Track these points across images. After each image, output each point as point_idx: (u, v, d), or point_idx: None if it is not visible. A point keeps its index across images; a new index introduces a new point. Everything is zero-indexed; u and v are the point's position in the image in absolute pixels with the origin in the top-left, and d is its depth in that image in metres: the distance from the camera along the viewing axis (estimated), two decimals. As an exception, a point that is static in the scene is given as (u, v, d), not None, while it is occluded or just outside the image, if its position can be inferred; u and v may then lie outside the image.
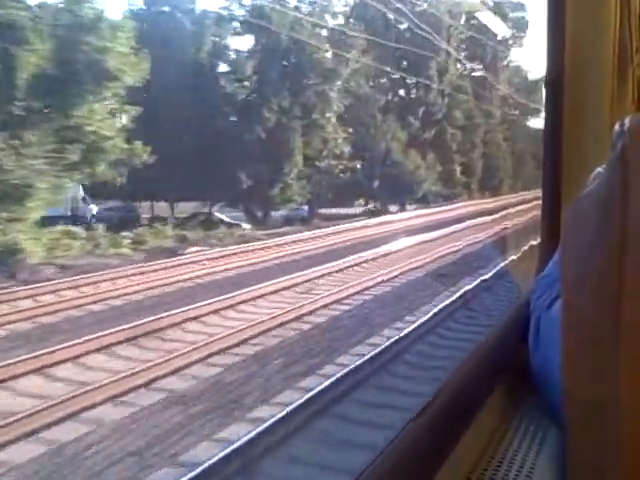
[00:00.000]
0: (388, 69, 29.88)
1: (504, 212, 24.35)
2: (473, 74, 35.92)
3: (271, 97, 23.01)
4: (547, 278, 1.15)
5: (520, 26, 36.36)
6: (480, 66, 35.65)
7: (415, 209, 28.52)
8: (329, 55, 26.54)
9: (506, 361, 1.23)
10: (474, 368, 1.08)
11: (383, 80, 31.49)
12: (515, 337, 1.24)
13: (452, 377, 1.03)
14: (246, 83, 23.25)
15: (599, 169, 0.79)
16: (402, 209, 29.30)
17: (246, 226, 22.42)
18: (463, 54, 34.60)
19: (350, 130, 27.14)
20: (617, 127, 0.72)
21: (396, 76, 31.24)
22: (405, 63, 31.26)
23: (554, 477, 0.93)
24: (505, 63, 37.97)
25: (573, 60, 1.65)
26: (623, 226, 0.68)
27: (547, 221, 1.69)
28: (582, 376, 0.76)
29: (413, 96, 32.72)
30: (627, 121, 0.71)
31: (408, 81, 31.36)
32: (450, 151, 32.57)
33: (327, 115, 25.80)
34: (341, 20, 29.23)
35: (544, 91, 1.73)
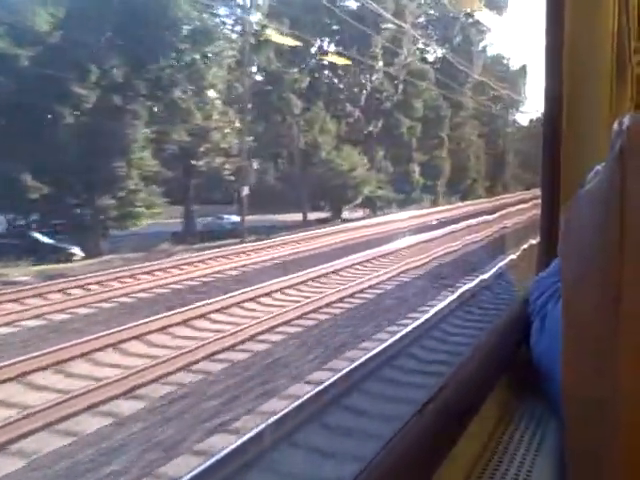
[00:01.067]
0: (314, 40, 23.38)
1: (472, 221, 19.97)
2: (439, 58, 30.74)
3: (85, 62, 15.17)
4: (547, 277, 1.15)
5: (499, 7, 31.61)
6: (448, 50, 30.12)
7: (363, 218, 23.33)
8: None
9: (506, 359, 1.23)
10: (475, 366, 1.09)
11: (308, 57, 24.13)
12: (515, 335, 1.24)
13: (453, 375, 1.03)
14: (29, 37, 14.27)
15: (598, 167, 0.79)
16: (335, 217, 23.58)
17: (77, 252, 15.24)
18: (424, 33, 29.32)
19: (249, 118, 20.52)
20: (616, 126, 0.72)
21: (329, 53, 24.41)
22: (341, 37, 24.64)
23: (554, 472, 0.94)
24: (481, 48, 32.78)
25: (572, 59, 1.65)
26: (622, 224, 0.69)
27: (546, 220, 1.70)
28: (582, 373, 0.76)
29: (351, 79, 26.00)
30: (626, 120, 0.72)
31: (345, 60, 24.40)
32: (407, 148, 27.16)
33: (205, 96, 18.89)
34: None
35: (542, 95, 1.73)
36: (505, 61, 35.16)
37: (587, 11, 1.64)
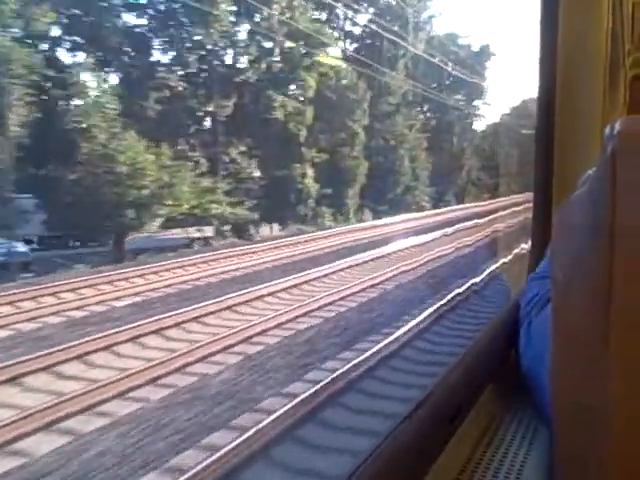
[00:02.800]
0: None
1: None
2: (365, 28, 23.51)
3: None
4: (537, 280, 1.15)
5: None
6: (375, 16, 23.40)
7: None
8: None
9: (496, 363, 1.23)
10: (465, 369, 1.08)
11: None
12: (505, 339, 1.24)
13: (443, 378, 1.03)
14: None
15: (589, 172, 0.79)
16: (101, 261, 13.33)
17: None
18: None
19: None
20: (607, 130, 0.72)
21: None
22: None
23: (542, 476, 0.94)
24: (425, 18, 25.88)
25: (566, 63, 1.65)
26: (612, 228, 0.68)
27: (538, 224, 1.70)
28: (571, 377, 0.76)
29: (175, 31, 16.69)
30: (617, 124, 0.71)
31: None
32: (290, 142, 19.04)
33: None
34: None
35: (537, 95, 1.73)
36: (463, 40, 28.23)
37: (581, 15, 1.65)
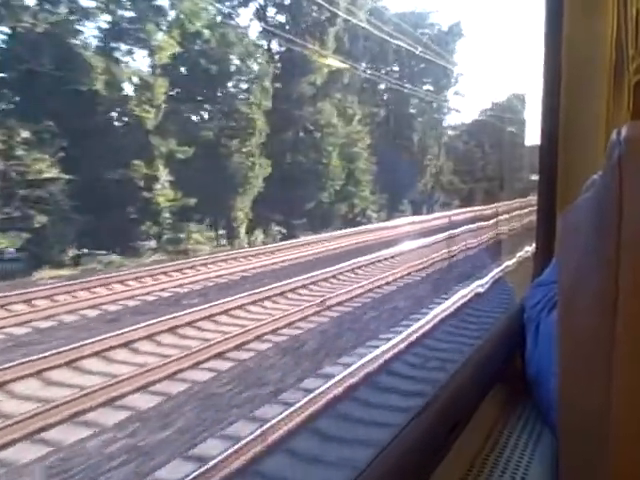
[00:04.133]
0: None
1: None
2: None
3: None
4: (542, 285, 1.15)
5: None
6: None
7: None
8: None
9: (501, 366, 1.23)
10: (470, 373, 1.08)
11: None
12: (510, 343, 1.24)
13: (448, 381, 1.03)
14: None
15: (594, 176, 0.79)
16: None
17: None
18: None
19: None
20: (614, 135, 0.72)
21: None
22: None
23: None
24: None
25: (570, 68, 1.66)
26: (618, 234, 0.68)
27: (542, 228, 1.70)
28: (577, 383, 0.76)
29: None
30: (624, 130, 0.72)
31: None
32: (121, 129, 13.39)
33: None
34: None
35: (540, 103, 1.74)
36: (428, 18, 23.70)
37: (586, 20, 1.65)
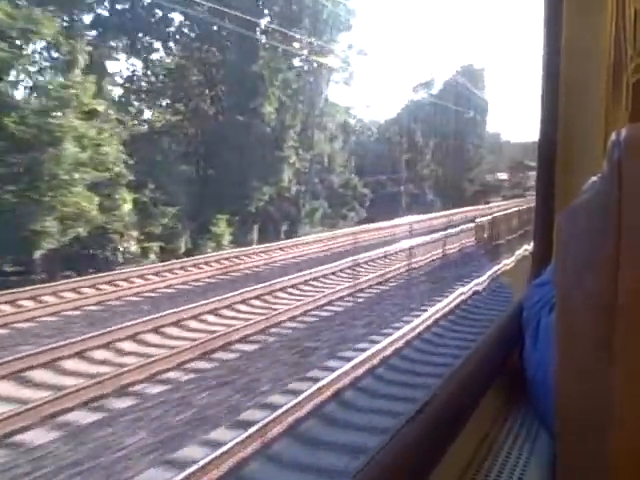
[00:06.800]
0: None
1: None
2: None
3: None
4: (541, 285, 1.15)
5: None
6: None
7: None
8: None
9: (499, 367, 1.23)
10: (467, 374, 1.09)
11: None
12: (508, 343, 1.24)
13: (445, 382, 1.03)
14: None
15: (594, 178, 0.79)
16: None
17: None
18: None
19: None
20: (613, 137, 0.72)
21: None
22: None
23: None
24: None
25: (569, 69, 1.66)
26: (617, 236, 0.69)
27: (540, 228, 1.70)
28: (574, 383, 0.76)
29: None
30: (623, 131, 0.72)
31: None
32: None
33: None
34: None
35: (539, 104, 1.74)
36: None
37: (584, 20, 1.65)
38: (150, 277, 11.17)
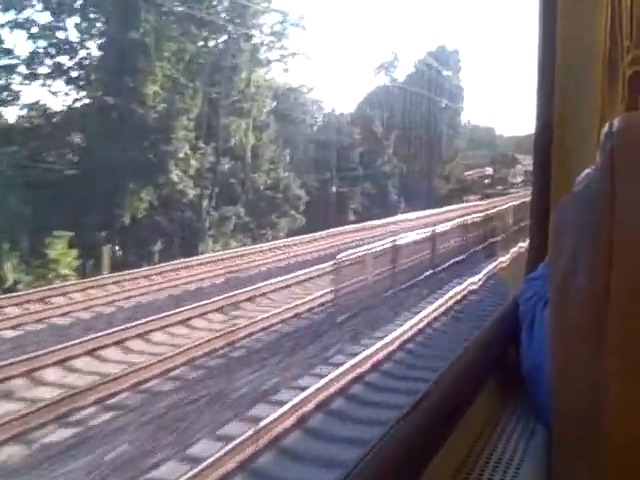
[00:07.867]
0: None
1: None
2: None
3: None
4: (536, 279, 1.15)
5: None
6: None
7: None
8: None
9: (495, 361, 1.23)
10: (464, 368, 1.08)
11: None
12: (504, 338, 1.24)
13: (442, 376, 1.03)
14: None
15: (588, 170, 0.79)
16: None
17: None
18: None
19: None
20: (606, 128, 0.71)
21: None
22: None
23: (540, 475, 0.94)
24: None
25: (564, 60, 1.65)
26: (611, 227, 0.68)
27: (536, 222, 1.70)
28: (570, 376, 0.76)
29: None
30: (616, 122, 0.71)
31: None
32: None
33: None
34: None
35: (535, 96, 1.73)
36: None
37: (580, 10, 1.64)
38: None
